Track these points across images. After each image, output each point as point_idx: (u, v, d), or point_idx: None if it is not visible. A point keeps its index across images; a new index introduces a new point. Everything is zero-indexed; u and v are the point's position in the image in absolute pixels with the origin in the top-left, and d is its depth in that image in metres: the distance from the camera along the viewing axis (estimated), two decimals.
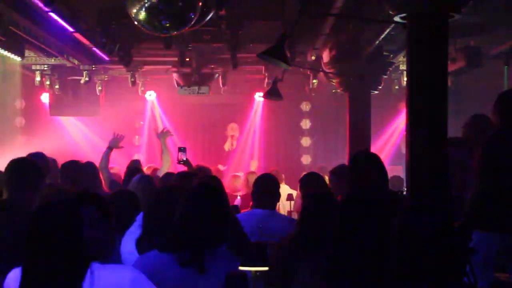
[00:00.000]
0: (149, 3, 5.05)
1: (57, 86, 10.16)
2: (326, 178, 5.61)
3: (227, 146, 11.93)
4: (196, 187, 3.20)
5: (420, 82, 4.14)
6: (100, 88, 10.24)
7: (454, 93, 5.37)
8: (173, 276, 2.76)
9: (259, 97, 11.94)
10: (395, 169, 9.28)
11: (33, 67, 9.69)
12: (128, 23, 5.72)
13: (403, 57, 8.14)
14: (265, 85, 10.07)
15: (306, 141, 12.70)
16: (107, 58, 8.08)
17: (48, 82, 9.94)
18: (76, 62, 9.11)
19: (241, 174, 9.95)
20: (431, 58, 4.09)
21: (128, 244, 3.37)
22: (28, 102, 11.92)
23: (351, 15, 5.62)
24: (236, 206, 5.92)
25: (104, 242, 2.29)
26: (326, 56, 7.50)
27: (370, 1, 5.39)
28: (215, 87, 10.46)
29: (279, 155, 12.48)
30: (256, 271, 2.76)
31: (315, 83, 10.17)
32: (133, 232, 3.41)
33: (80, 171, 5.66)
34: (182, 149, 6.27)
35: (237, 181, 9.27)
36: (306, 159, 12.63)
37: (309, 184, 5.06)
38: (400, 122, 11.62)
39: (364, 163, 3.94)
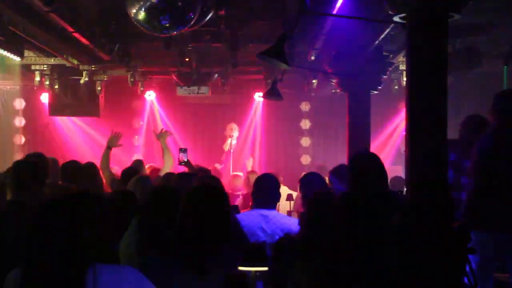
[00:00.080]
0: (148, 3, 5.05)
1: (56, 86, 10.15)
2: (326, 178, 5.61)
3: (226, 146, 11.91)
4: (196, 187, 3.20)
5: (420, 82, 4.14)
6: (99, 88, 10.24)
7: (454, 93, 5.37)
8: (174, 278, 2.76)
9: (258, 97, 11.94)
10: (395, 169, 9.28)
11: (33, 67, 9.68)
12: (128, 23, 5.72)
13: (403, 57, 8.14)
14: (264, 85, 10.07)
15: (305, 141, 12.70)
16: (106, 58, 8.07)
17: (47, 82, 9.94)
18: (75, 62, 9.11)
19: (241, 173, 9.96)
20: (431, 58, 4.08)
21: (126, 246, 3.37)
22: (28, 102, 11.92)
23: (351, 15, 5.61)
24: (236, 206, 5.92)
25: (103, 242, 2.29)
26: (326, 56, 7.51)
27: (370, 1, 5.39)
28: (214, 87, 10.46)
29: (279, 155, 12.48)
30: (256, 271, 2.76)
31: (315, 83, 10.17)
32: (130, 235, 3.40)
33: (80, 171, 5.68)
34: (183, 150, 6.26)
35: (237, 181, 9.27)
36: (305, 159, 12.63)
37: (309, 184, 5.05)
38: (400, 122, 11.62)
39: (364, 163, 3.95)
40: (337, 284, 2.50)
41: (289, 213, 7.08)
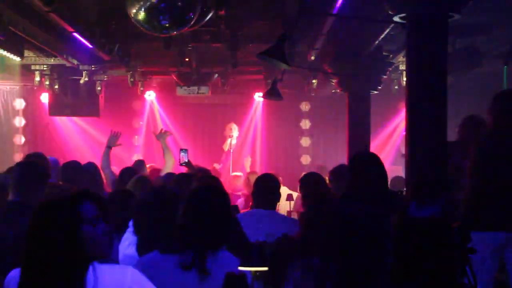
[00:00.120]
0: (148, 3, 5.05)
1: (56, 86, 10.15)
2: (326, 178, 5.60)
3: (226, 146, 11.91)
4: (197, 188, 3.20)
5: (419, 82, 4.15)
6: (99, 88, 10.23)
7: (453, 93, 5.37)
8: (174, 279, 2.76)
9: (258, 97, 11.94)
10: (396, 169, 9.28)
11: (33, 67, 9.68)
12: (127, 23, 5.72)
13: (403, 57, 8.14)
14: (264, 85, 10.06)
15: (305, 141, 12.69)
16: (106, 58, 8.07)
17: (47, 82, 9.93)
18: (75, 62, 9.11)
19: (241, 174, 9.96)
20: (431, 58, 4.09)
21: (125, 247, 3.37)
22: (28, 102, 11.92)
23: (351, 15, 5.62)
24: (235, 206, 5.92)
25: (103, 241, 2.29)
26: (326, 56, 7.51)
27: (370, 1, 5.39)
28: (214, 87, 10.46)
29: (279, 155, 12.48)
30: (256, 271, 2.76)
31: (315, 83, 10.17)
32: (128, 238, 3.39)
33: (81, 171, 5.68)
34: (183, 151, 6.26)
35: (238, 181, 9.27)
36: (305, 159, 12.63)
37: (309, 184, 5.05)
38: (400, 122, 11.62)
39: (364, 163, 3.95)
40: (334, 284, 2.50)
41: (289, 213, 7.08)
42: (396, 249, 2.49)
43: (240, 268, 2.73)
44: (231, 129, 12.15)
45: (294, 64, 7.36)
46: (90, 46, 7.19)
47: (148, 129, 12.25)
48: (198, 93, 9.99)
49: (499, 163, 4.08)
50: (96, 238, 2.23)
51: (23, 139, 11.98)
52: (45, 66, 9.64)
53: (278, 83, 7.99)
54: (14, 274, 2.28)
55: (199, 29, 6.47)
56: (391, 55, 7.67)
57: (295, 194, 7.73)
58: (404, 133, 4.37)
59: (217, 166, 10.99)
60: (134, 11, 5.14)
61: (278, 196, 4.65)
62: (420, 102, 4.15)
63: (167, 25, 5.24)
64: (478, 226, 3.97)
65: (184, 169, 6.42)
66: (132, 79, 10.07)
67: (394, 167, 9.92)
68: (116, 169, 7.57)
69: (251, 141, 12.66)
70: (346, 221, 2.58)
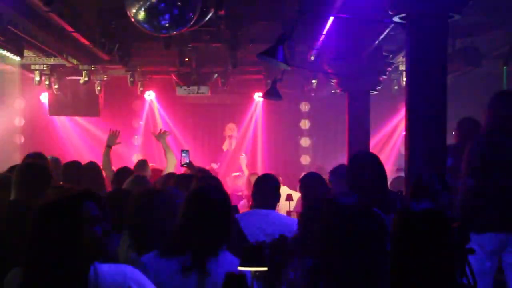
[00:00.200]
0: (148, 3, 5.05)
1: (56, 86, 10.15)
2: (325, 178, 5.60)
3: (225, 146, 11.91)
4: (197, 188, 3.20)
5: (419, 82, 4.14)
6: (99, 88, 10.24)
7: (453, 93, 5.37)
8: (174, 279, 2.76)
9: (258, 97, 11.93)
10: (396, 169, 9.29)
11: (32, 67, 9.68)
12: (127, 23, 5.71)
13: (403, 57, 8.14)
14: (264, 85, 10.06)
15: (305, 141, 12.69)
16: (106, 58, 8.07)
17: (47, 82, 9.93)
18: (75, 62, 9.10)
19: (241, 173, 9.96)
20: (431, 58, 4.09)
21: (128, 246, 3.36)
22: (27, 102, 11.91)
23: (351, 15, 5.62)
24: (235, 206, 5.92)
25: (104, 241, 2.29)
26: (326, 56, 7.50)
27: (370, 1, 5.39)
28: (214, 87, 10.46)
29: (278, 155, 12.47)
30: (256, 271, 2.76)
31: (315, 83, 10.17)
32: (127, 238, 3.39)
33: (81, 171, 5.68)
34: (184, 152, 6.26)
35: (238, 181, 9.28)
36: (305, 159, 12.63)
37: (309, 184, 5.05)
38: (400, 122, 11.61)
39: (363, 163, 3.94)
40: (329, 285, 2.49)
41: (289, 213, 7.08)
42: (395, 248, 2.48)
43: (240, 268, 2.72)
44: (230, 129, 12.15)
45: (294, 64, 7.35)
46: (90, 45, 7.20)
47: (147, 129, 12.25)
48: (198, 93, 9.99)
49: (495, 164, 4.09)
50: (97, 238, 2.23)
51: (22, 139, 11.97)
52: (45, 65, 9.64)
53: (278, 83, 7.98)
54: (15, 273, 2.28)
55: (199, 29, 6.47)
56: (391, 55, 7.67)
57: (295, 194, 7.73)
58: (404, 133, 4.37)
59: (214, 165, 10.99)
60: (134, 11, 5.14)
61: (278, 196, 4.65)
62: (420, 102, 4.15)
63: (167, 25, 5.23)
64: (475, 227, 3.97)
65: (185, 170, 6.42)
66: (131, 79, 10.08)
67: (395, 168, 9.93)
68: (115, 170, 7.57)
69: (251, 141, 12.65)
70: (344, 221, 2.57)
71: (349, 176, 3.96)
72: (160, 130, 7.48)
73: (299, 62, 8.19)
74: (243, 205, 7.80)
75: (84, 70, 9.57)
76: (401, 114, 10.91)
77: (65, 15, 6.01)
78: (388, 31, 6.00)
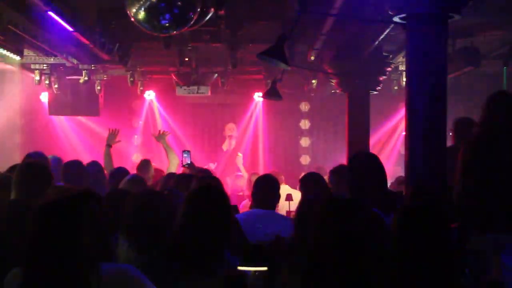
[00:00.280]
0: (148, 2, 5.05)
1: (56, 86, 10.15)
2: (325, 178, 5.60)
3: (225, 146, 11.91)
4: (197, 188, 3.20)
5: (419, 82, 4.14)
6: (99, 87, 10.24)
7: (453, 93, 5.37)
8: (174, 279, 2.76)
9: (258, 97, 11.94)
10: (397, 170, 9.29)
11: (32, 66, 9.68)
12: (127, 22, 5.71)
13: (403, 57, 8.14)
14: (264, 85, 10.06)
15: (305, 141, 12.70)
16: (106, 58, 8.07)
17: (47, 81, 9.93)
18: (75, 61, 9.10)
19: (241, 173, 9.96)
20: (431, 59, 4.09)
21: (128, 246, 3.36)
22: (27, 101, 11.91)
23: (351, 15, 5.62)
24: (235, 206, 5.92)
25: (105, 241, 2.29)
26: (326, 56, 7.51)
27: (370, 1, 5.40)
28: (214, 87, 10.46)
29: (278, 155, 12.48)
30: (255, 271, 2.76)
31: (314, 83, 10.17)
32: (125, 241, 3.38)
33: (82, 170, 5.67)
34: (186, 152, 6.27)
35: (239, 181, 9.28)
36: (305, 159, 12.63)
37: (310, 184, 5.05)
38: (399, 122, 11.62)
39: (363, 163, 3.94)
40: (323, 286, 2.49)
41: (288, 213, 7.08)
42: (395, 248, 2.49)
43: (240, 268, 2.73)
44: (230, 129, 12.15)
45: (294, 64, 7.36)
46: (90, 45, 7.19)
47: (147, 129, 12.25)
48: (197, 93, 9.99)
49: (490, 164, 4.09)
50: (99, 239, 2.23)
51: (22, 138, 11.97)
52: (44, 65, 9.64)
53: (277, 83, 7.99)
54: (15, 273, 2.27)
55: (199, 29, 6.47)
56: (391, 55, 7.67)
57: (295, 193, 7.73)
58: (404, 133, 4.37)
59: (212, 166, 10.99)
60: (134, 10, 5.14)
61: (277, 196, 4.65)
62: (420, 102, 4.15)
63: (167, 24, 5.23)
64: (472, 227, 3.97)
65: (183, 169, 6.42)
66: (131, 79, 10.08)
67: (396, 168, 9.94)
68: None
69: (250, 141, 12.65)
70: (342, 221, 2.57)
71: (349, 176, 3.96)
72: (159, 131, 7.49)
73: (299, 62, 8.20)
74: (245, 205, 7.80)
75: (84, 70, 9.57)
76: (401, 114, 10.92)
77: (65, 15, 6.00)
78: (388, 31, 6.00)
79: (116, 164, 7.20)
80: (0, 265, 2.69)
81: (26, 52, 8.19)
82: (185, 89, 9.97)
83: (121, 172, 5.72)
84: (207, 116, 12.59)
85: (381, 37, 6.26)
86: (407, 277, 2.41)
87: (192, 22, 5.36)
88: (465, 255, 2.89)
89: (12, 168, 4.38)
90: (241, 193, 8.90)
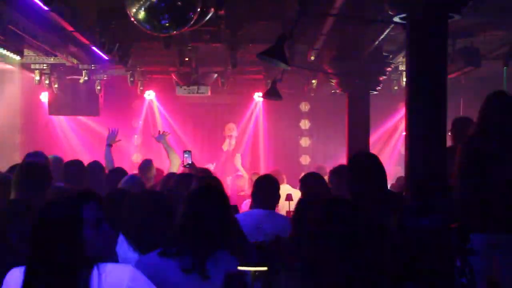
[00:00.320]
0: (148, 2, 5.05)
1: (56, 85, 10.15)
2: (325, 177, 5.60)
3: (225, 146, 11.91)
4: (196, 188, 3.20)
5: (419, 82, 4.14)
6: (99, 87, 10.24)
7: (454, 93, 5.38)
8: (174, 280, 2.76)
9: (258, 97, 11.94)
10: (398, 170, 9.30)
11: (32, 66, 9.67)
12: (127, 22, 5.71)
13: (403, 57, 8.14)
14: (264, 85, 10.06)
15: (305, 141, 12.70)
16: (106, 58, 8.07)
17: (47, 81, 9.93)
18: (75, 61, 9.10)
19: (242, 173, 9.96)
20: (431, 59, 4.09)
21: (125, 246, 3.36)
22: (27, 101, 11.90)
23: (351, 15, 5.62)
24: (235, 206, 5.92)
25: (106, 242, 2.30)
26: (326, 56, 7.51)
27: (370, 1, 5.40)
28: (214, 87, 10.46)
29: (278, 155, 12.48)
30: (255, 271, 2.76)
31: (315, 84, 10.17)
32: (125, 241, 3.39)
33: (83, 170, 5.67)
34: (187, 152, 6.27)
35: (240, 181, 9.28)
36: (305, 159, 12.63)
37: (310, 184, 5.05)
38: (399, 123, 11.62)
39: (363, 163, 3.94)
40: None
41: (288, 213, 7.08)
42: (395, 252, 2.49)
43: (240, 268, 2.73)
44: (230, 129, 12.15)
45: (294, 64, 7.36)
46: (90, 45, 7.20)
47: (147, 129, 12.25)
48: (197, 93, 9.99)
49: (485, 164, 4.09)
50: (99, 239, 2.23)
51: (22, 138, 11.97)
52: (44, 65, 9.63)
53: (277, 83, 7.99)
54: (15, 273, 2.27)
55: (199, 29, 6.47)
56: (391, 55, 7.67)
57: (296, 193, 7.73)
58: (405, 133, 4.37)
59: (211, 166, 11.00)
60: (134, 10, 5.14)
61: (277, 196, 4.66)
62: (419, 103, 4.15)
63: (167, 24, 5.23)
64: (472, 227, 3.97)
65: (183, 169, 6.42)
66: (131, 79, 10.08)
67: (397, 168, 9.94)
68: None
69: (251, 141, 12.66)
70: (341, 222, 2.57)
71: (349, 176, 3.96)
72: (159, 132, 7.49)
73: (299, 62, 8.19)
74: (247, 205, 7.80)
75: (84, 70, 9.57)
76: (401, 114, 10.92)
77: (65, 15, 6.00)
78: (388, 31, 6.00)
79: (116, 164, 7.21)
80: (0, 264, 2.69)
81: (26, 52, 8.18)
82: (185, 89, 9.97)
83: (119, 172, 5.73)
84: (207, 116, 12.59)
85: (381, 37, 6.26)
86: (406, 277, 2.41)
87: (192, 22, 5.36)
88: (465, 255, 2.88)
89: (12, 168, 4.38)
90: (242, 193, 8.90)
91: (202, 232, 2.83)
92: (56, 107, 10.64)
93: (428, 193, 3.88)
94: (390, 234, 2.62)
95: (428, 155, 4.08)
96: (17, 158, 7.51)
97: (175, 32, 5.58)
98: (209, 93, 10.17)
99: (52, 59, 9.24)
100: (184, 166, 6.26)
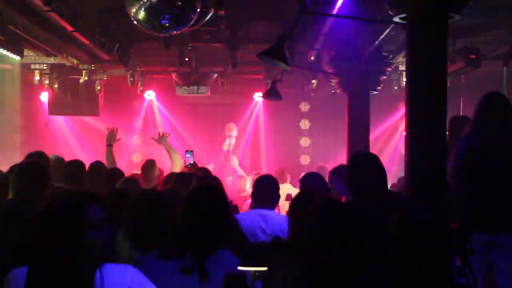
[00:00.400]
0: (148, 2, 5.05)
1: (56, 86, 10.15)
2: (326, 177, 5.60)
3: (225, 146, 11.91)
4: (196, 188, 3.20)
5: (419, 82, 4.14)
6: (99, 87, 10.24)
7: (454, 93, 5.37)
8: (174, 280, 2.76)
9: (258, 97, 11.94)
10: (398, 170, 9.28)
11: (32, 66, 9.68)
12: (127, 22, 5.71)
13: (403, 57, 8.14)
14: (264, 85, 10.06)
15: (305, 141, 12.70)
16: (106, 58, 8.07)
17: (47, 81, 9.94)
18: (75, 61, 9.11)
19: (243, 174, 9.96)
20: (431, 59, 4.08)
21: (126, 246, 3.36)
22: (27, 101, 11.91)
23: (351, 15, 5.62)
24: (235, 206, 5.92)
25: (108, 243, 2.30)
26: (325, 56, 7.50)
27: (370, 1, 5.39)
28: (214, 87, 10.46)
29: (278, 155, 12.49)
30: (255, 271, 2.76)
31: (314, 84, 10.17)
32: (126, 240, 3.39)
33: (84, 170, 5.67)
34: (189, 152, 6.27)
35: (241, 182, 9.28)
36: (305, 159, 12.64)
37: (310, 184, 5.05)
38: (399, 123, 11.62)
39: (363, 163, 3.94)
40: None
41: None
42: (394, 248, 2.48)
43: (240, 268, 2.73)
44: (230, 128, 12.15)
45: (294, 64, 7.36)
46: (90, 45, 7.20)
47: (147, 129, 12.26)
48: (197, 93, 9.99)
49: (480, 163, 4.09)
50: (101, 241, 2.23)
51: (22, 138, 11.97)
52: (45, 65, 9.64)
53: (277, 83, 7.99)
54: (15, 274, 2.27)
55: (199, 29, 6.47)
56: (391, 55, 7.66)
57: (295, 193, 7.73)
58: (405, 133, 4.37)
59: (210, 167, 10.99)
60: (134, 10, 5.14)
61: (277, 196, 4.66)
62: (419, 103, 4.15)
63: (167, 24, 5.24)
64: (471, 227, 3.97)
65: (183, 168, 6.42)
66: (131, 79, 10.08)
67: (398, 168, 9.93)
68: None
69: (251, 141, 12.66)
70: (341, 222, 2.57)
71: (349, 176, 3.96)
72: (159, 133, 7.50)
73: (299, 62, 8.19)
74: (248, 205, 7.82)
75: (84, 70, 9.57)
76: (401, 114, 10.91)
77: (65, 15, 6.00)
78: (388, 31, 6.00)
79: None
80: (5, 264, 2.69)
81: (26, 52, 8.19)
82: (185, 89, 9.97)
83: (116, 173, 5.72)
84: (207, 116, 12.59)
85: (381, 37, 6.26)
86: (406, 277, 2.41)
87: (192, 22, 5.36)
88: (465, 255, 2.88)
89: (13, 168, 4.38)
90: (244, 194, 8.90)
91: (202, 232, 2.83)
92: (56, 107, 10.65)
93: (428, 193, 3.87)
94: (389, 234, 2.62)
95: (428, 155, 4.07)
96: (17, 158, 7.51)
97: (175, 32, 5.58)
98: (209, 93, 10.17)
99: (52, 59, 9.25)
100: (186, 166, 6.26)
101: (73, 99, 10.41)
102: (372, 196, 3.64)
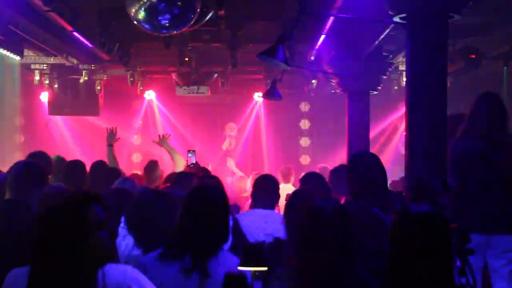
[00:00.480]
0: (148, 2, 5.05)
1: (56, 85, 10.15)
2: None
3: (225, 146, 11.91)
4: (196, 187, 3.20)
5: (419, 82, 4.14)
6: (99, 87, 10.24)
7: (453, 93, 5.37)
8: (175, 280, 2.76)
9: (258, 97, 11.94)
10: (397, 170, 9.27)
11: (32, 66, 9.68)
12: (127, 22, 5.72)
13: (403, 57, 8.14)
14: (264, 85, 10.06)
15: (305, 141, 12.70)
16: (106, 58, 8.07)
17: (47, 81, 9.94)
18: (75, 61, 9.11)
19: (243, 175, 9.96)
20: (431, 59, 4.09)
21: (124, 246, 3.36)
22: (27, 101, 11.92)
23: (351, 15, 5.62)
24: (235, 206, 5.93)
25: (110, 243, 2.30)
26: (325, 56, 7.50)
27: (370, 1, 5.39)
28: (214, 87, 10.46)
29: (278, 155, 12.48)
30: (255, 271, 2.75)
31: (315, 83, 10.17)
32: (125, 236, 3.39)
33: (84, 170, 5.67)
34: (191, 152, 6.27)
35: (242, 183, 9.28)
36: (305, 159, 12.63)
37: (310, 183, 5.05)
38: (399, 123, 11.62)
39: (363, 163, 3.94)
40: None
41: None
42: (394, 248, 2.48)
43: (240, 268, 2.73)
44: (230, 128, 12.15)
45: (294, 64, 7.35)
46: (90, 45, 7.20)
47: (147, 129, 12.26)
48: (197, 93, 9.99)
49: (473, 163, 4.09)
50: (103, 241, 2.23)
51: (22, 138, 11.98)
52: (44, 65, 9.65)
53: (277, 83, 7.98)
54: (16, 274, 2.27)
55: (199, 29, 6.48)
56: (391, 55, 7.67)
57: None
58: (405, 133, 4.37)
59: (208, 167, 10.98)
60: (134, 10, 5.14)
61: (277, 196, 4.65)
62: (419, 103, 4.15)
63: (167, 24, 5.24)
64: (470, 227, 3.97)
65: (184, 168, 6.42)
66: (131, 79, 10.08)
67: (395, 168, 9.92)
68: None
69: (251, 141, 12.66)
70: (340, 223, 2.57)
71: (349, 176, 3.96)
72: (159, 135, 7.49)
73: (299, 62, 8.19)
74: (249, 205, 7.82)
75: (84, 70, 9.57)
76: (401, 114, 10.91)
77: (65, 15, 6.00)
78: (388, 31, 6.00)
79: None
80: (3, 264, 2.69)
81: (26, 52, 8.19)
82: (185, 89, 9.97)
83: (116, 173, 5.72)
84: (207, 116, 12.59)
85: (381, 37, 6.26)
86: (406, 278, 2.41)
87: (192, 22, 5.37)
88: (465, 255, 2.88)
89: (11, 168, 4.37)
90: (245, 194, 8.90)
91: (202, 232, 2.83)
92: (56, 107, 10.64)
93: (428, 192, 3.87)
94: (389, 234, 2.61)
95: (428, 155, 4.07)
96: (17, 158, 7.51)
97: (175, 32, 5.58)
98: (209, 93, 10.17)
99: (52, 59, 9.25)
100: (189, 166, 6.26)
101: (73, 99, 10.41)
102: (372, 196, 3.64)
